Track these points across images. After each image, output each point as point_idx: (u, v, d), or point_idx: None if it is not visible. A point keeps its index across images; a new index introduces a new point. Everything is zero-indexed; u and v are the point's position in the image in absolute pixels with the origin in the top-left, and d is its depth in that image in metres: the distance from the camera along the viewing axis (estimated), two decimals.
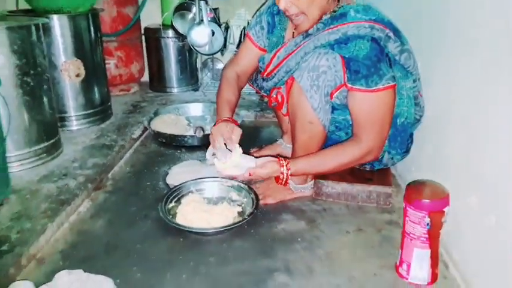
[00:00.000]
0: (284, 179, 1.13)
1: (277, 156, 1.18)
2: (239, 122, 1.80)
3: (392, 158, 1.27)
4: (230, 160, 1.13)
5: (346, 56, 1.09)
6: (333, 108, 1.18)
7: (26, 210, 1.16)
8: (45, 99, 1.45)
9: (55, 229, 1.12)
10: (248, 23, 2.33)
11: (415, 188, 0.93)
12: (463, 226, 0.96)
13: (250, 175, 1.12)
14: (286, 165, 1.12)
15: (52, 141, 1.49)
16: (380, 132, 1.13)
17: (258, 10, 1.38)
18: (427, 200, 0.88)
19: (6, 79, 1.27)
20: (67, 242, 1.10)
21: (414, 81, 1.17)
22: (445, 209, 0.88)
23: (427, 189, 0.92)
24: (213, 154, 1.19)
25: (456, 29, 1.04)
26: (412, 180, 1.29)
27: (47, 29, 1.60)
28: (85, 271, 0.94)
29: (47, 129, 1.47)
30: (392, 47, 1.09)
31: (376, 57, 1.06)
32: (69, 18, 1.66)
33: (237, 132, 1.18)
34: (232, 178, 1.27)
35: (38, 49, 1.41)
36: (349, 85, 1.10)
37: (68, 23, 1.66)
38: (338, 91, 1.13)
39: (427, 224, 0.88)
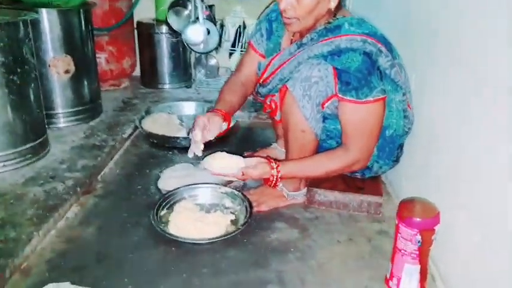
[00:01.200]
0: (274, 181, 1.15)
1: (267, 157, 1.20)
2: (232, 122, 1.79)
3: (381, 167, 1.30)
4: (217, 160, 1.13)
5: (338, 67, 1.11)
6: (324, 118, 1.21)
7: (10, 217, 1.12)
8: (32, 98, 1.41)
9: (41, 237, 1.08)
10: (244, 22, 2.30)
11: (407, 205, 0.95)
12: (451, 240, 0.98)
13: (242, 174, 1.12)
14: (277, 168, 1.14)
15: (39, 140, 1.45)
16: (367, 143, 1.17)
17: (259, 17, 1.39)
18: (419, 219, 0.91)
19: None
20: (54, 251, 1.07)
21: (403, 94, 1.20)
22: (436, 227, 0.91)
23: (418, 207, 0.94)
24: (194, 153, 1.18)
25: (448, 43, 1.05)
26: (402, 189, 1.33)
27: (35, 24, 1.54)
28: (73, 283, 0.92)
29: (34, 129, 1.43)
30: (383, 61, 1.12)
31: (367, 70, 1.09)
32: (59, 13, 1.61)
33: (215, 124, 1.17)
34: (227, 183, 1.25)
35: (25, 46, 1.36)
36: (340, 95, 1.13)
37: (57, 18, 1.61)
38: (329, 101, 1.15)
39: (418, 242, 0.91)
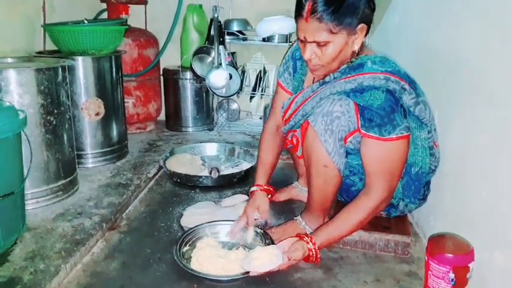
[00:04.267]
0: (314, 255, 1.11)
1: (297, 235, 1.16)
2: (253, 163, 1.82)
3: (406, 205, 1.27)
4: (255, 261, 1.09)
5: (361, 104, 1.11)
6: (347, 153, 1.19)
7: (40, 250, 1.16)
8: (65, 137, 1.49)
9: (68, 270, 1.10)
10: (264, 67, 2.39)
11: (438, 241, 0.92)
12: (489, 282, 0.92)
13: (289, 259, 1.10)
14: (311, 241, 1.12)
15: (69, 178, 1.51)
16: (390, 181, 1.14)
17: (284, 57, 1.43)
18: (451, 254, 0.87)
19: (30, 118, 1.30)
20: (80, 285, 1.08)
21: (429, 132, 1.19)
22: (470, 265, 0.87)
23: (450, 243, 0.91)
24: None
25: (471, 80, 1.05)
26: (430, 228, 1.28)
27: (71, 70, 1.66)
28: None
29: (65, 167, 1.49)
30: (407, 99, 1.11)
31: (390, 108, 1.08)
32: (93, 59, 1.73)
33: (263, 212, 1.30)
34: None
35: (62, 89, 1.46)
36: (363, 131, 1.12)
37: (91, 64, 1.72)
38: (352, 136, 1.15)
39: (452, 280, 0.86)
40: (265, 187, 1.34)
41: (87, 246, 1.21)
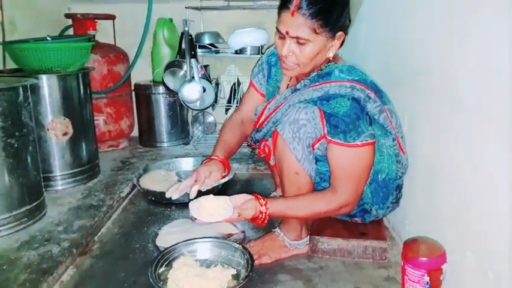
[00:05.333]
0: (263, 218, 1.12)
1: (254, 194, 1.16)
2: (231, 175, 1.78)
3: (377, 211, 1.28)
4: (203, 209, 1.11)
5: (328, 112, 1.13)
6: (316, 160, 1.20)
7: (2, 284, 1.08)
8: (29, 160, 1.42)
9: None
10: (238, 79, 2.38)
11: (412, 245, 0.94)
12: (461, 282, 0.93)
13: (238, 215, 1.10)
14: (265, 205, 1.11)
15: (35, 203, 1.43)
16: (356, 187, 1.15)
17: (260, 59, 1.44)
18: (425, 258, 0.88)
19: None
20: None
21: (394, 139, 1.21)
22: (443, 266, 0.89)
23: (423, 247, 0.92)
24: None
25: (437, 86, 1.07)
26: (406, 232, 1.29)
27: (34, 89, 1.60)
28: None
29: (30, 192, 1.42)
30: (372, 107, 1.14)
31: (356, 115, 1.11)
32: (59, 77, 1.67)
33: (214, 178, 1.22)
34: (227, 236, 1.22)
35: (24, 110, 1.39)
36: (329, 138, 1.13)
37: (57, 82, 1.66)
38: (319, 142, 1.16)
39: (427, 283, 0.87)
40: (223, 159, 1.27)
41: (55, 275, 1.14)
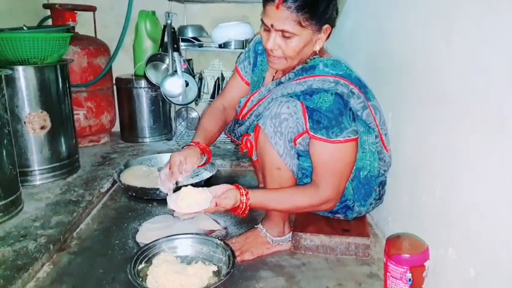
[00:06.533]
0: (243, 208, 1.10)
1: (235, 184, 1.13)
2: (214, 172, 1.76)
3: (359, 207, 1.27)
4: (181, 200, 1.07)
5: (310, 107, 1.11)
6: (298, 155, 1.19)
7: None
8: (4, 155, 1.36)
9: None
10: (222, 73, 2.36)
11: (395, 242, 0.93)
12: (443, 278, 0.94)
13: (216, 205, 1.06)
14: (246, 195, 1.09)
15: (11, 198, 1.38)
16: (337, 183, 1.14)
17: (246, 46, 1.41)
18: (407, 255, 0.88)
19: None
20: None
21: (376, 137, 1.20)
22: (426, 263, 0.89)
23: (406, 243, 0.92)
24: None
25: (422, 82, 1.07)
26: (389, 229, 1.30)
27: (10, 80, 1.54)
28: None
29: (5, 186, 1.37)
30: (355, 103, 1.12)
31: (339, 111, 1.09)
32: (36, 69, 1.61)
33: (190, 163, 1.16)
34: (209, 232, 1.20)
35: None
36: (311, 133, 1.12)
37: (33, 74, 1.61)
38: (301, 137, 1.14)
39: (409, 280, 0.87)
40: (202, 145, 1.22)
41: (31, 271, 1.10)
